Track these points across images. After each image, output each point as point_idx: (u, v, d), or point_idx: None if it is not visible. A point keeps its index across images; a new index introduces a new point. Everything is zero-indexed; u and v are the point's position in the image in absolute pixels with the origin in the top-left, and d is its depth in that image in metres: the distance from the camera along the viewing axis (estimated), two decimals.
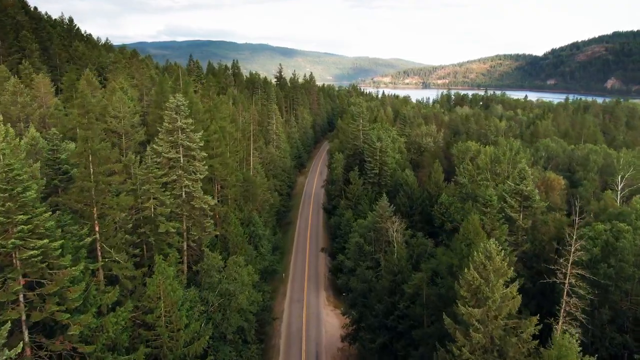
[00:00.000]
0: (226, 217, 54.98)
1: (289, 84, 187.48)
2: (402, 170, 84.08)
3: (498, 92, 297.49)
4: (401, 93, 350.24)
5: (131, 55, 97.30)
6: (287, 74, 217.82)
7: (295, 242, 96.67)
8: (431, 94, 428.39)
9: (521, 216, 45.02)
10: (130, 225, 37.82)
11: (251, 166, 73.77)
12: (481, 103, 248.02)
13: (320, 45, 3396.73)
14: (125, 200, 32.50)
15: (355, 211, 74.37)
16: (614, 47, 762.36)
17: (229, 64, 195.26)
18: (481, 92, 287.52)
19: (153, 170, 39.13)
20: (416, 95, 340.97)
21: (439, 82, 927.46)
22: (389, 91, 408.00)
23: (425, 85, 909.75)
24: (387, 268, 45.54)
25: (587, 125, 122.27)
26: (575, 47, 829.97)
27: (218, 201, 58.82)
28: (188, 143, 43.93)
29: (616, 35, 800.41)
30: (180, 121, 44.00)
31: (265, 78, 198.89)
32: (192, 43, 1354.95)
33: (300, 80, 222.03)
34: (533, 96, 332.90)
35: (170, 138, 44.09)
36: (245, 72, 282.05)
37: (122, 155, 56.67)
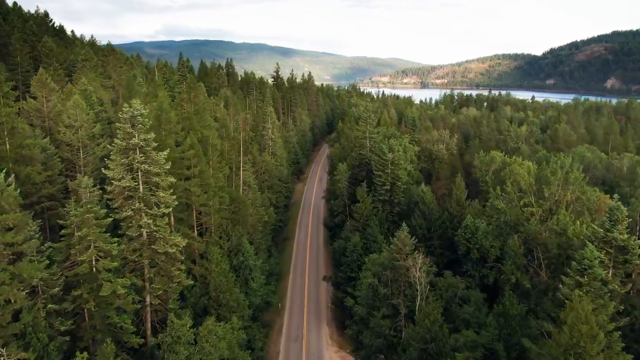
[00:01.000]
0: (207, 253, 43.38)
1: (286, 84, 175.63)
2: (415, 185, 72.59)
3: (503, 92, 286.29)
4: (400, 93, 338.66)
5: (107, 52, 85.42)
6: (285, 74, 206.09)
7: (293, 264, 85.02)
8: (430, 94, 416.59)
9: (610, 272, 32.22)
10: (59, 287, 26.23)
11: (241, 182, 62.21)
12: (485, 104, 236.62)
13: (319, 45, 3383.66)
14: (30, 269, 20.94)
15: (364, 235, 62.82)
16: (613, 46, 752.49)
17: (223, 63, 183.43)
18: (484, 92, 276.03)
19: (92, 209, 27.46)
20: (415, 95, 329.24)
21: (438, 82, 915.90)
22: (388, 91, 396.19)
23: (424, 85, 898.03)
24: (415, 335, 33.97)
25: (613, 130, 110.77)
26: (575, 46, 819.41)
27: (198, 232, 47.28)
28: (148, 167, 32.25)
29: (615, 34, 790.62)
30: (137, 137, 32.32)
31: (262, 78, 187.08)
32: (190, 43, 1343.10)
33: (299, 80, 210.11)
34: (534, 96, 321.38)
35: (124, 160, 32.41)
36: (242, 72, 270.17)
37: (79, 173, 45.09)
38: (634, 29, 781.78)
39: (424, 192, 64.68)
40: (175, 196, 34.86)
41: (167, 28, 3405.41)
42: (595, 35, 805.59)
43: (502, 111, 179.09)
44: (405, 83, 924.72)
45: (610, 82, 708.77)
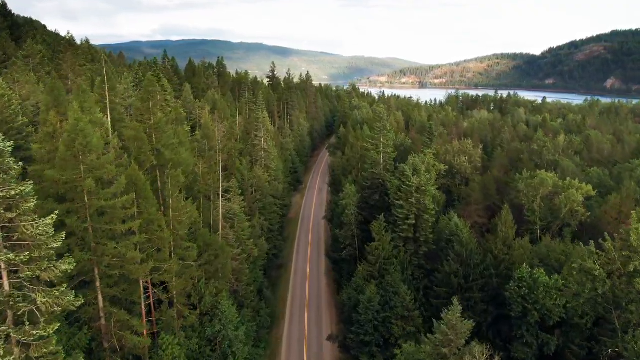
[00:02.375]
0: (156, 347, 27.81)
1: (282, 85, 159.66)
2: (437, 206, 57.09)
3: (510, 92, 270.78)
4: (398, 93, 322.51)
5: (64, 48, 69.55)
6: (282, 74, 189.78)
7: (289, 304, 69.35)
8: (430, 94, 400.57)
9: None
10: None
11: (220, 216, 46.62)
12: (492, 105, 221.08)
13: (316, 45, 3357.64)
14: None
15: (381, 284, 47.36)
16: (612, 46, 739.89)
17: (215, 62, 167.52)
18: (490, 93, 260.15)
19: None
20: (414, 95, 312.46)
21: (436, 81, 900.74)
22: (388, 91, 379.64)
23: (422, 85, 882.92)
24: None
25: None
26: (574, 46, 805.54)
27: (147, 308, 31.68)
28: (9, 256, 16.61)
29: (615, 34, 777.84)
30: None
31: (256, 78, 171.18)
32: (187, 42, 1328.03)
33: (296, 80, 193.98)
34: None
35: None
36: (239, 72, 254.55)
37: None
38: (634, 28, 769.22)
39: (458, 227, 49.19)
40: (75, 297, 19.19)
41: (165, 28, 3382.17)
42: (595, 35, 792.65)
43: (516, 114, 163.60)
44: (404, 83, 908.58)
45: (610, 82, 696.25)
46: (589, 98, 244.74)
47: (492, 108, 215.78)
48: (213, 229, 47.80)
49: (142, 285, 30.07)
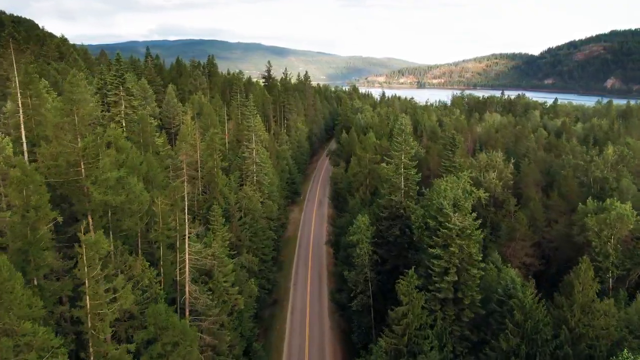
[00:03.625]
0: None
1: (279, 86, 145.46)
2: (483, 256, 43.21)
3: (514, 93, 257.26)
4: (397, 93, 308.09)
5: (4, 43, 55.35)
6: (279, 74, 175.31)
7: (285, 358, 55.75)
8: (429, 94, 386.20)
9: None
10: None
11: (186, 276, 32.61)
12: (501, 107, 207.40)
13: (314, 45, 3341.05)
14: None
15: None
16: (612, 46, 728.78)
17: (207, 62, 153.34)
18: (496, 93, 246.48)
19: None
20: (413, 95, 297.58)
21: (435, 81, 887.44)
22: (388, 92, 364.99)
23: (421, 85, 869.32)
24: None
25: None
26: (573, 46, 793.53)
27: None
28: None
29: (614, 34, 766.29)
30: None
31: (249, 78, 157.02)
32: (184, 42, 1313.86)
33: (293, 80, 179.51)
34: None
35: None
36: (235, 72, 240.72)
37: None
38: (633, 28, 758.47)
39: (516, 284, 35.45)
40: None
41: (162, 28, 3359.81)
42: (594, 35, 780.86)
43: (532, 117, 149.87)
44: (402, 83, 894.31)
45: (610, 82, 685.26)
46: (602, 99, 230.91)
47: (500, 110, 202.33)
48: (179, 291, 33.81)
49: None
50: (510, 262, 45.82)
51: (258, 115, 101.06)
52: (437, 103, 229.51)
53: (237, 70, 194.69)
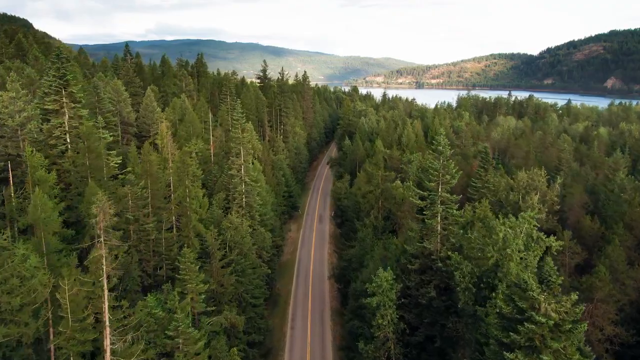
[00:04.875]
0: None
1: (275, 87, 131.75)
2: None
3: (521, 93, 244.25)
4: (396, 93, 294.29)
5: None
6: (276, 74, 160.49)
7: None
8: (426, 94, 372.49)
9: None
10: None
11: None
12: (511, 108, 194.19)
13: (311, 44, 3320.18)
14: None
15: None
16: (612, 45, 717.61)
17: (196, 61, 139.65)
18: (503, 94, 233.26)
19: None
20: (411, 95, 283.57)
21: (433, 81, 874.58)
22: (387, 92, 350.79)
23: (419, 85, 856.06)
24: None
25: None
26: (572, 45, 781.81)
27: None
28: None
29: (613, 33, 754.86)
30: None
31: (243, 79, 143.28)
32: (181, 42, 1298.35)
33: (291, 81, 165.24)
34: (568, 99, 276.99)
35: None
36: (229, 73, 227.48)
37: None
38: (632, 28, 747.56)
39: None
40: None
41: (159, 27, 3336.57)
42: (593, 35, 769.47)
43: (550, 120, 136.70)
44: (400, 83, 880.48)
45: (610, 82, 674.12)
46: (615, 100, 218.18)
47: (510, 112, 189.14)
48: None
49: None
50: (588, 340, 32.58)
51: (250, 122, 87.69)
52: (443, 104, 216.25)
53: (231, 70, 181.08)
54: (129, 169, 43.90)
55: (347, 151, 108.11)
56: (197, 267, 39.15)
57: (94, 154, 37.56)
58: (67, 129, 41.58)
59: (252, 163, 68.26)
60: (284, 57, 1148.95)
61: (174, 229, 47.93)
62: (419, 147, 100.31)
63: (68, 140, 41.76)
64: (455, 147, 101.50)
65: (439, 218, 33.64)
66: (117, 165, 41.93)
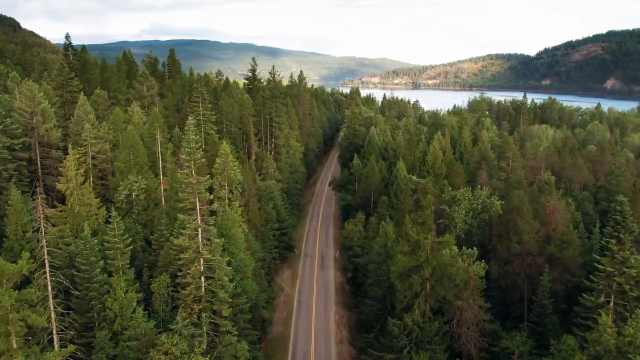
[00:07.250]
0: None
1: (264, 91, 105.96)
2: None
3: (536, 96, 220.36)
4: (395, 94, 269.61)
5: None
6: (267, 75, 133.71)
7: None
8: (423, 95, 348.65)
9: None
10: None
11: None
12: (533, 113, 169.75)
13: (306, 45, 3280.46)
14: None
15: None
16: (610, 46, 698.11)
17: (168, 59, 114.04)
18: (519, 96, 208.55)
19: None
20: (408, 96, 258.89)
21: (430, 82, 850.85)
22: (383, 92, 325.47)
23: (416, 86, 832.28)
24: None
25: None
26: (570, 46, 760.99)
27: None
28: None
29: (611, 34, 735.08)
30: None
31: (227, 80, 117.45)
32: (176, 42, 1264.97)
33: (285, 82, 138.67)
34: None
35: None
36: (228, 73, 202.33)
37: None
38: (630, 28, 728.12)
39: None
40: None
41: (153, 27, 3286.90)
42: (591, 35, 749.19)
43: (596, 130, 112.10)
44: (396, 84, 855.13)
45: (610, 83, 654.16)
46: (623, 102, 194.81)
47: (532, 117, 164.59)
48: None
49: None
50: None
51: (225, 139, 62.36)
52: (453, 107, 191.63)
53: (217, 70, 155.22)
54: None
55: (356, 173, 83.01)
56: None
57: None
58: None
59: (222, 213, 43.09)
60: (279, 57, 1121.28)
61: None
62: (449, 170, 75.56)
63: None
64: (497, 171, 76.81)
65: None
66: None
